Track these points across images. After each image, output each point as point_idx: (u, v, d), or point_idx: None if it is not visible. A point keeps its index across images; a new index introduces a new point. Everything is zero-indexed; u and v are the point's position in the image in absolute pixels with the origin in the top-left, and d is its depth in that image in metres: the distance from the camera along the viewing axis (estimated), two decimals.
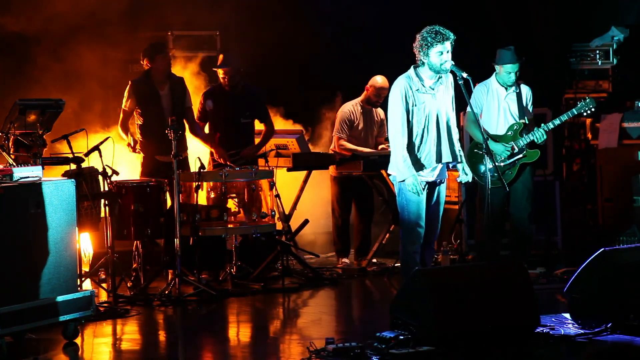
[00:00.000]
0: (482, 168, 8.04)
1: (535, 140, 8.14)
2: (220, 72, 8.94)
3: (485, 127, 8.25)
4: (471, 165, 7.68)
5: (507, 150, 8.14)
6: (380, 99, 9.32)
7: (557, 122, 8.18)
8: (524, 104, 8.25)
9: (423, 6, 10.00)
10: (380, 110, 9.49)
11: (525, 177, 8.27)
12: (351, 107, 9.42)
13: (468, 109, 8.23)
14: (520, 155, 8.18)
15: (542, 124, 8.17)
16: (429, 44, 6.80)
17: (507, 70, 8.21)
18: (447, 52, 6.84)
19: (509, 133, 8.21)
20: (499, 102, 8.26)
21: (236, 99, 8.97)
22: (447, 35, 6.81)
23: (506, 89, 8.26)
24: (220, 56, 9.00)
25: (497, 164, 7.99)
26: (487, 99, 8.28)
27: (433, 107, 6.94)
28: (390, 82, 7.24)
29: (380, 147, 9.41)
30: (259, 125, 9.25)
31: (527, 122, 8.20)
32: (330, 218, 9.90)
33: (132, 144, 8.74)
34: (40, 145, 7.36)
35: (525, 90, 8.31)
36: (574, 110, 8.18)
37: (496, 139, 8.19)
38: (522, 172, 8.24)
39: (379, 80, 9.31)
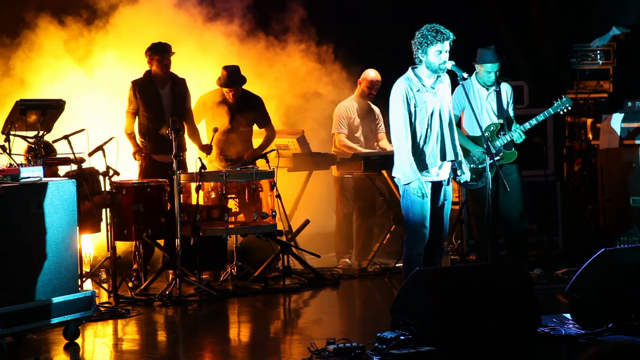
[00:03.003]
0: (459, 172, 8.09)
1: (515, 140, 8.14)
2: (225, 89, 8.97)
3: (467, 128, 8.25)
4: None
5: (482, 153, 8.11)
6: (374, 90, 9.41)
7: (533, 122, 8.18)
8: (505, 103, 8.24)
9: (423, 5, 9.99)
10: (375, 107, 9.54)
11: (514, 177, 8.24)
12: (346, 104, 9.48)
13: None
14: (497, 157, 8.15)
15: (519, 125, 8.15)
16: (429, 42, 6.77)
17: (486, 70, 8.19)
18: (446, 51, 6.81)
19: (486, 134, 8.17)
20: (481, 103, 8.23)
21: (236, 108, 9.00)
22: (447, 35, 6.78)
23: (487, 88, 8.24)
24: (224, 72, 8.98)
25: (472, 166, 8.01)
26: (468, 100, 8.25)
27: (435, 106, 6.91)
28: (388, 80, 7.25)
29: (381, 142, 9.48)
30: (259, 131, 9.28)
31: (503, 122, 8.18)
32: (330, 218, 9.90)
33: (137, 155, 8.76)
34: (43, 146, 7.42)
35: (506, 88, 8.29)
36: (550, 110, 8.18)
37: (473, 140, 8.17)
38: (509, 172, 8.20)
39: (371, 73, 9.45)
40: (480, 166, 8.11)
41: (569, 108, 8.20)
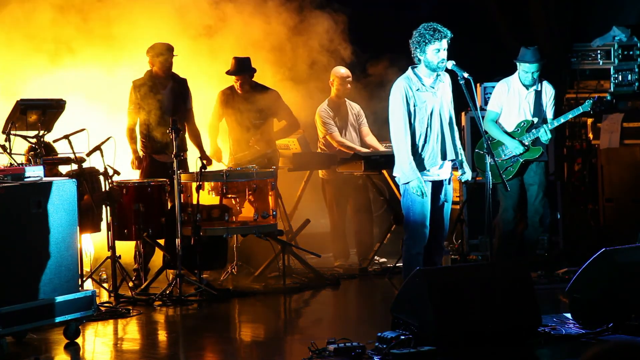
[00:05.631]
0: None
1: (540, 137, 8.11)
2: (233, 77, 8.97)
3: (503, 125, 8.23)
4: (483, 165, 7.70)
5: (520, 147, 8.12)
6: (346, 86, 9.37)
7: (561, 119, 8.15)
8: (544, 103, 8.19)
9: (423, 6, 10.00)
10: (354, 104, 9.51)
11: (541, 178, 8.22)
12: (324, 106, 9.43)
13: (488, 107, 8.26)
14: (522, 151, 8.14)
15: (547, 122, 8.12)
16: (427, 41, 6.76)
17: (524, 69, 8.14)
18: (444, 50, 6.80)
19: (517, 130, 8.19)
20: (520, 102, 8.20)
21: (246, 102, 9.00)
22: (444, 33, 6.78)
23: (527, 88, 8.21)
24: (232, 61, 9.01)
25: (498, 160, 7.96)
26: (507, 97, 8.23)
27: (435, 106, 6.90)
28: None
29: (367, 137, 9.47)
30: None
31: (538, 121, 8.14)
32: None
33: (135, 163, 8.77)
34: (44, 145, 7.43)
35: (547, 89, 8.23)
36: (580, 108, 8.14)
37: (511, 135, 8.19)
38: (537, 172, 8.20)
39: (341, 70, 9.43)
40: (507, 163, 8.14)
41: (602, 108, 8.17)
